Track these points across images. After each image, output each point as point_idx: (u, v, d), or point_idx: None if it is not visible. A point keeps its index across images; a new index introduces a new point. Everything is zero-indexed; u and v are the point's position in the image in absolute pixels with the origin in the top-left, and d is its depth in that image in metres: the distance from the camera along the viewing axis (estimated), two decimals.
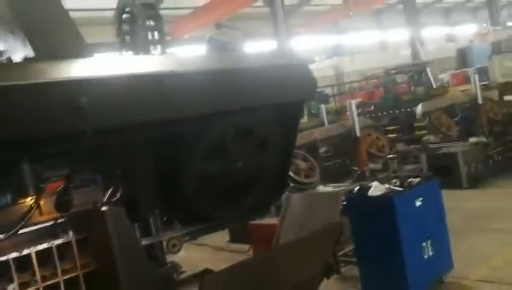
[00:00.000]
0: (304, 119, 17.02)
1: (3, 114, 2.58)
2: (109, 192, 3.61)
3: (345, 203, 5.47)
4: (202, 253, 8.16)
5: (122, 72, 3.03)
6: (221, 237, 8.84)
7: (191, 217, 3.97)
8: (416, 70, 17.58)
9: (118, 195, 3.60)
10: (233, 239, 8.83)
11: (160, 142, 3.49)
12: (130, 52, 4.86)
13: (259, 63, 3.83)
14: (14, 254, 3.21)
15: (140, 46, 4.51)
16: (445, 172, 9.00)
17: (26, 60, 3.09)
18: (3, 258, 3.17)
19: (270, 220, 5.59)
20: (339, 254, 6.30)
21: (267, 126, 3.90)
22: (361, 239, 5.52)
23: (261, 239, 5.79)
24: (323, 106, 14.01)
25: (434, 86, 16.73)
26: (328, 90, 23.63)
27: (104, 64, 3.10)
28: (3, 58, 3.27)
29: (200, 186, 3.72)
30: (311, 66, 4.14)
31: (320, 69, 23.34)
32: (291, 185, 7.69)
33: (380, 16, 36.01)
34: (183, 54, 6.98)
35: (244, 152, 3.81)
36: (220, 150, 3.69)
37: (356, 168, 9.46)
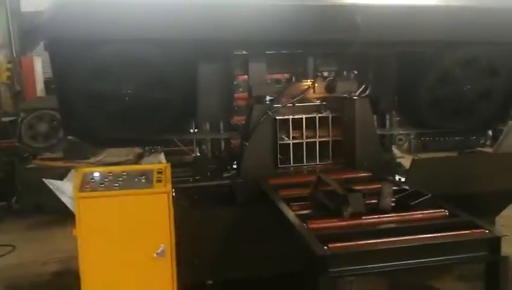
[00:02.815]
0: None
1: (262, 25, 3.88)
2: (361, 88, 4.85)
3: None
4: None
5: (387, 2, 4.17)
6: None
7: (419, 122, 4.93)
8: None
9: (367, 92, 4.84)
10: None
11: (406, 58, 4.58)
12: None
13: None
14: (291, 116, 4.67)
15: None
16: None
17: None
18: (285, 117, 4.68)
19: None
20: None
21: (501, 60, 4.60)
22: None
23: None
24: None
25: None
26: None
27: None
28: None
29: (430, 99, 4.63)
30: None
31: None
32: None
33: None
34: None
35: (474, 77, 4.59)
36: (453, 72, 4.54)
37: None
